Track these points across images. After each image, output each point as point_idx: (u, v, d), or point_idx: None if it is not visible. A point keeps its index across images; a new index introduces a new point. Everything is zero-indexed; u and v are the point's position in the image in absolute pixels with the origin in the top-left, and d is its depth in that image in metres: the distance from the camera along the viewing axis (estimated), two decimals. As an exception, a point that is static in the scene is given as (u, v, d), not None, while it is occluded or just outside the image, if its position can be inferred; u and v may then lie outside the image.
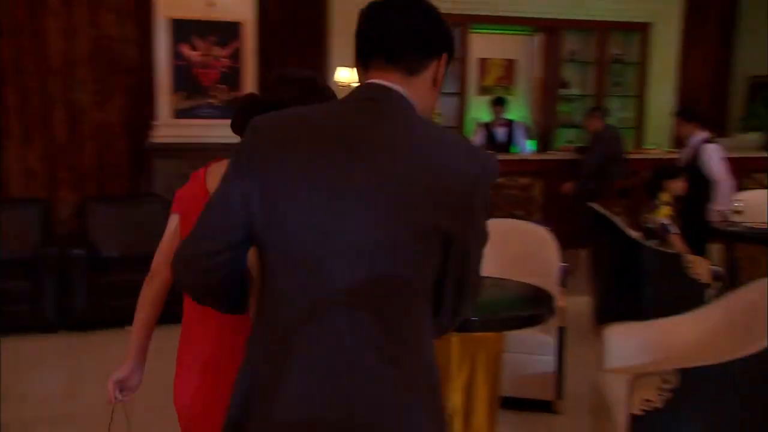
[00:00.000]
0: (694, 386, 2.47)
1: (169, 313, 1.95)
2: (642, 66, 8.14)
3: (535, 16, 7.74)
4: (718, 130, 7.88)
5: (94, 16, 6.06)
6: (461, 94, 7.84)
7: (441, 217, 1.22)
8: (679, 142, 6.32)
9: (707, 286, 4.37)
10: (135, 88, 6.18)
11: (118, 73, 6.17)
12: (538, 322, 2.95)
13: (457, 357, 2.76)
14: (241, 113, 1.70)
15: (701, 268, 4.43)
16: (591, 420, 3.24)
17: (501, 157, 6.24)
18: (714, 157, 5.22)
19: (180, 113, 5.81)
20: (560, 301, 3.36)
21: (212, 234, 1.31)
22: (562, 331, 3.63)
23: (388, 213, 1.21)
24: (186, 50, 5.78)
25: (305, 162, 1.24)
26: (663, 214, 4.72)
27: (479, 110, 8.38)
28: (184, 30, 5.75)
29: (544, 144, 8.11)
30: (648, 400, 2.51)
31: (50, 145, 6.03)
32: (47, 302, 4.94)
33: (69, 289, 4.98)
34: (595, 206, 5.02)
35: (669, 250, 4.58)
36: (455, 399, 2.78)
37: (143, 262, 5.72)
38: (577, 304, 4.66)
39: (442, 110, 7.65)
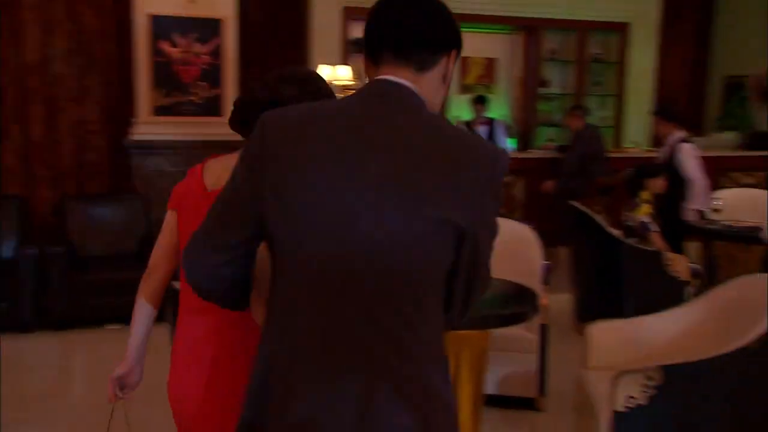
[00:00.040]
0: (677, 383, 2.50)
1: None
2: (621, 65, 8.21)
3: (516, 15, 7.77)
4: (695, 129, 7.98)
5: (72, 11, 5.98)
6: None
7: (454, 211, 1.23)
8: (657, 140, 6.39)
9: (686, 283, 4.42)
10: (114, 84, 6.11)
11: (97, 69, 6.09)
12: (522, 319, 2.96)
13: (443, 355, 2.77)
14: (240, 111, 1.69)
15: (680, 265, 4.49)
16: (574, 417, 3.27)
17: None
18: (689, 157, 5.27)
19: (160, 110, 5.75)
20: (543, 299, 3.38)
21: (223, 230, 1.31)
22: (544, 329, 3.65)
23: (402, 207, 1.21)
24: (166, 47, 5.72)
25: (318, 157, 1.24)
26: (643, 212, 4.76)
27: (460, 109, 8.40)
28: (164, 26, 5.70)
29: (524, 142, 8.16)
30: (631, 397, 2.54)
31: (27, 142, 5.94)
32: (25, 301, 4.88)
33: (47, 288, 4.92)
34: (577, 204, 5.06)
35: (649, 248, 4.62)
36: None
37: (123, 261, 5.73)
38: (559, 301, 4.70)
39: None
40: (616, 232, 4.70)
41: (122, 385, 1.80)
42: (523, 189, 7.18)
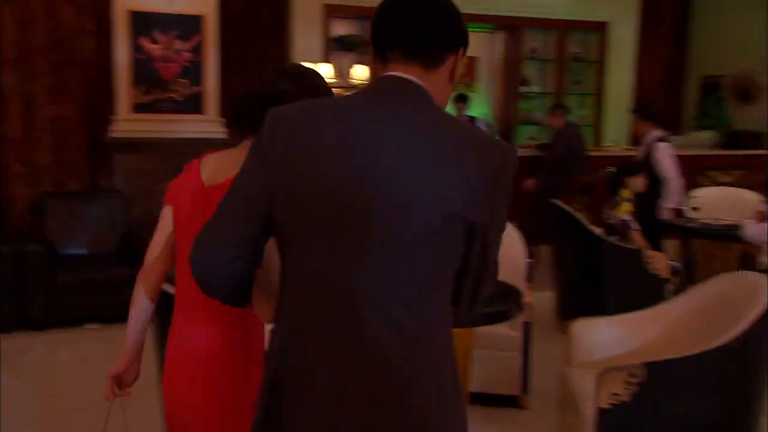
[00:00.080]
0: (661, 379, 2.53)
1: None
2: (600, 64, 8.28)
3: (497, 13, 7.79)
4: (673, 128, 8.07)
5: (49, 7, 5.90)
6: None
7: (465, 206, 1.24)
8: (636, 139, 6.44)
9: (666, 281, 4.47)
10: (93, 81, 6.04)
11: (75, 66, 6.01)
12: (507, 317, 2.98)
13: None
14: (238, 106, 1.68)
15: (660, 263, 4.53)
16: (558, 414, 3.29)
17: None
18: (665, 156, 5.32)
19: (140, 108, 5.70)
20: (527, 296, 3.40)
21: (233, 225, 1.31)
22: (528, 327, 3.67)
23: (413, 202, 1.22)
24: (146, 43, 5.67)
25: (329, 152, 1.24)
26: (624, 211, 4.81)
27: (441, 107, 8.40)
28: (144, 23, 5.64)
29: (505, 141, 8.17)
30: (615, 394, 2.56)
31: (4, 139, 5.86)
32: (3, 301, 4.80)
33: (25, 287, 4.85)
34: (558, 203, 5.09)
35: (629, 246, 4.67)
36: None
37: (103, 260, 5.65)
38: (540, 299, 4.72)
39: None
40: (597, 231, 4.74)
41: (120, 382, 1.79)
42: (505, 187, 7.19)
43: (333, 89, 1.86)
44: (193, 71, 5.81)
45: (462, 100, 7.70)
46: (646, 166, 5.25)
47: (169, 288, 1.83)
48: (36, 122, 5.94)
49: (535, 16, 7.87)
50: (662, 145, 5.38)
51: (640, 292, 4.46)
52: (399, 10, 1.33)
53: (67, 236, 5.32)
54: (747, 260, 5.20)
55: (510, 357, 3.71)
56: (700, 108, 9.09)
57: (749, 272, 3.19)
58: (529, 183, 6.71)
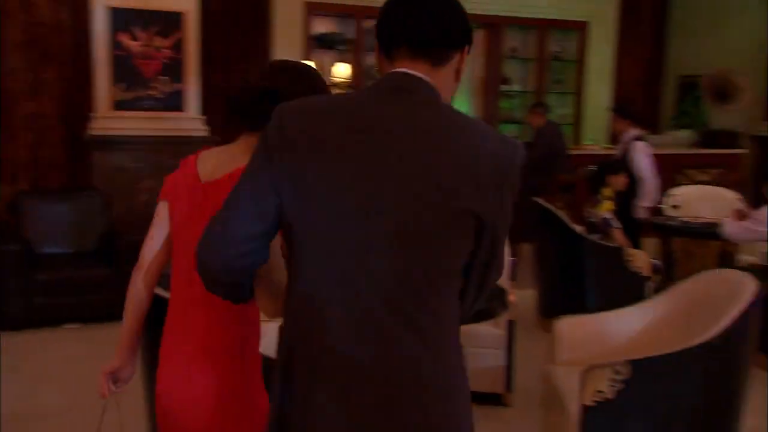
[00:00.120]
0: (645, 376, 2.55)
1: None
2: (580, 64, 8.33)
3: (477, 12, 7.80)
4: (651, 127, 8.16)
5: (26, 2, 5.81)
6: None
7: (475, 201, 1.25)
8: (615, 138, 6.50)
9: (647, 279, 4.51)
10: (71, 78, 5.97)
11: (53, 62, 5.94)
12: (492, 316, 2.99)
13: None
14: (235, 100, 1.66)
15: (641, 261, 4.58)
16: (542, 412, 3.30)
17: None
18: (642, 155, 5.36)
19: (120, 105, 5.64)
20: (511, 295, 3.41)
21: (242, 221, 1.30)
22: (511, 325, 3.68)
23: (423, 197, 1.23)
24: (126, 40, 5.61)
25: (338, 147, 1.25)
26: (605, 209, 4.84)
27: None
28: (123, 19, 5.57)
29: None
30: (600, 391, 2.57)
31: (-21, 137, 5.77)
32: (-21, 301, 4.73)
33: (2, 287, 4.77)
34: (540, 201, 5.12)
35: (611, 244, 4.71)
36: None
37: (82, 259, 5.58)
38: (523, 297, 4.74)
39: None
40: (578, 229, 4.77)
41: (115, 379, 1.77)
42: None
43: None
44: (174, 68, 5.76)
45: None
46: (626, 164, 5.30)
47: (159, 291, 1.81)
48: (13, 119, 5.86)
49: (516, 15, 7.90)
50: (639, 144, 5.42)
51: (621, 289, 4.50)
52: (407, 7, 1.33)
53: (45, 235, 5.25)
54: (726, 258, 5.27)
55: (494, 355, 3.72)
56: (678, 107, 9.19)
57: (730, 270, 3.23)
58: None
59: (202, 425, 1.62)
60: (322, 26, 7.32)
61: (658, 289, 4.23)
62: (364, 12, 7.09)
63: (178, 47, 5.75)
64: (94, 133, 5.58)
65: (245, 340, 1.66)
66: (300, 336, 1.31)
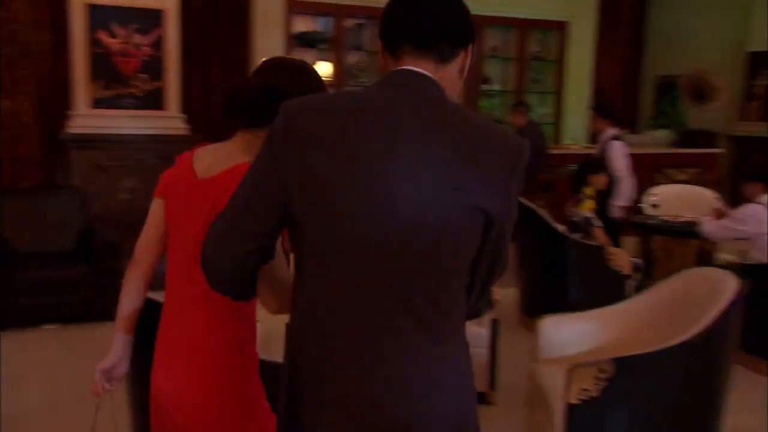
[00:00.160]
0: (630, 375, 2.57)
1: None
2: (560, 64, 8.38)
3: (458, 11, 7.83)
4: (630, 126, 8.23)
5: (3, -1, 5.74)
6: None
7: (482, 198, 1.25)
8: (594, 137, 6.55)
9: (628, 277, 4.55)
10: (48, 75, 5.89)
11: (30, 60, 5.85)
12: (476, 315, 2.99)
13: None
14: (233, 97, 1.64)
15: (622, 260, 4.61)
16: (526, 410, 3.32)
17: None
18: (618, 154, 5.40)
19: (99, 103, 5.57)
20: (495, 293, 3.42)
21: (249, 219, 1.30)
22: (495, 323, 3.69)
23: (433, 194, 1.22)
24: (104, 37, 5.54)
25: (345, 145, 1.24)
26: (587, 208, 4.87)
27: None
28: (102, 16, 5.51)
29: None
30: (585, 389, 2.59)
31: (-45, 135, 5.68)
32: (-45, 301, 4.65)
33: (-21, 287, 4.71)
34: (522, 200, 5.13)
35: (592, 243, 4.74)
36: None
37: (60, 258, 5.49)
38: (505, 296, 4.76)
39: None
40: (560, 228, 4.80)
41: (109, 377, 1.75)
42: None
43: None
44: (154, 66, 5.70)
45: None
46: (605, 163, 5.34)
47: (150, 294, 1.79)
48: (-12, 117, 5.78)
49: (497, 14, 7.92)
50: (616, 143, 5.47)
51: (603, 288, 4.53)
52: (411, 5, 1.33)
53: (22, 234, 5.16)
54: (704, 256, 5.33)
55: (477, 353, 3.72)
56: (656, 107, 9.29)
57: (711, 268, 3.26)
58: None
59: (203, 424, 1.60)
60: (303, 25, 7.29)
61: (639, 288, 4.26)
62: (345, 11, 7.08)
63: (157, 45, 5.70)
64: (73, 131, 5.51)
65: (244, 337, 1.64)
66: (308, 333, 1.31)
